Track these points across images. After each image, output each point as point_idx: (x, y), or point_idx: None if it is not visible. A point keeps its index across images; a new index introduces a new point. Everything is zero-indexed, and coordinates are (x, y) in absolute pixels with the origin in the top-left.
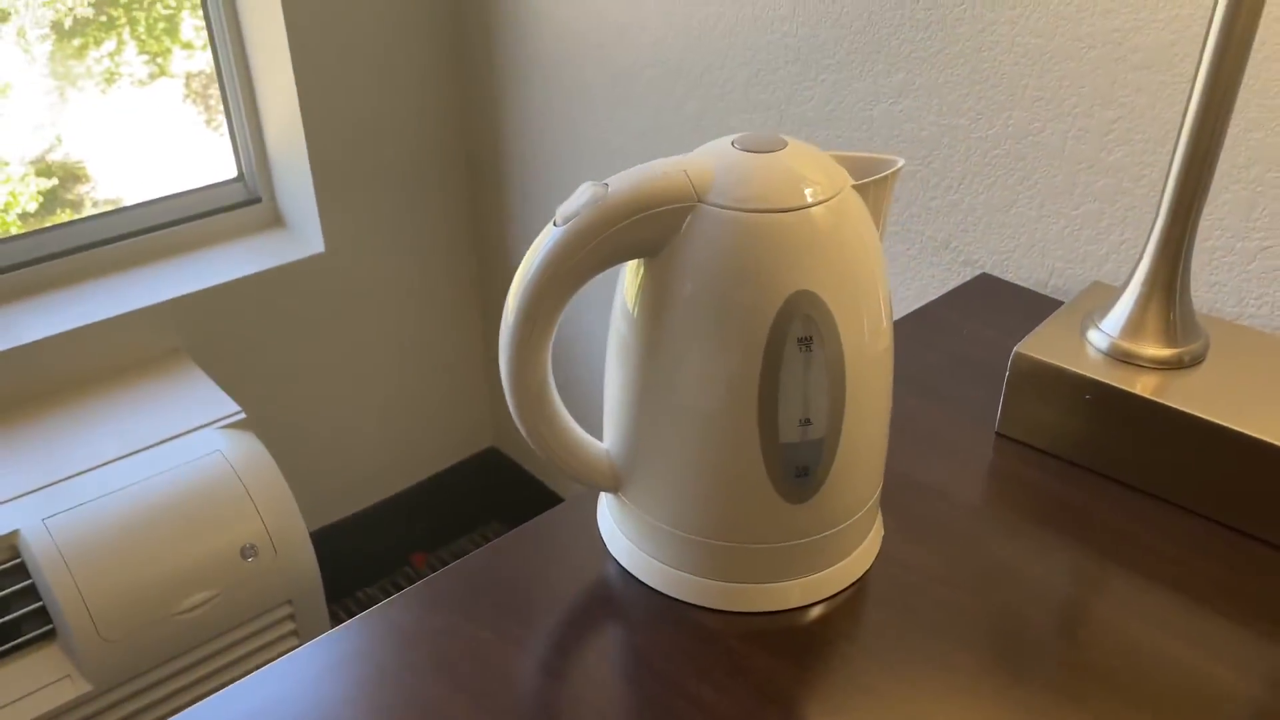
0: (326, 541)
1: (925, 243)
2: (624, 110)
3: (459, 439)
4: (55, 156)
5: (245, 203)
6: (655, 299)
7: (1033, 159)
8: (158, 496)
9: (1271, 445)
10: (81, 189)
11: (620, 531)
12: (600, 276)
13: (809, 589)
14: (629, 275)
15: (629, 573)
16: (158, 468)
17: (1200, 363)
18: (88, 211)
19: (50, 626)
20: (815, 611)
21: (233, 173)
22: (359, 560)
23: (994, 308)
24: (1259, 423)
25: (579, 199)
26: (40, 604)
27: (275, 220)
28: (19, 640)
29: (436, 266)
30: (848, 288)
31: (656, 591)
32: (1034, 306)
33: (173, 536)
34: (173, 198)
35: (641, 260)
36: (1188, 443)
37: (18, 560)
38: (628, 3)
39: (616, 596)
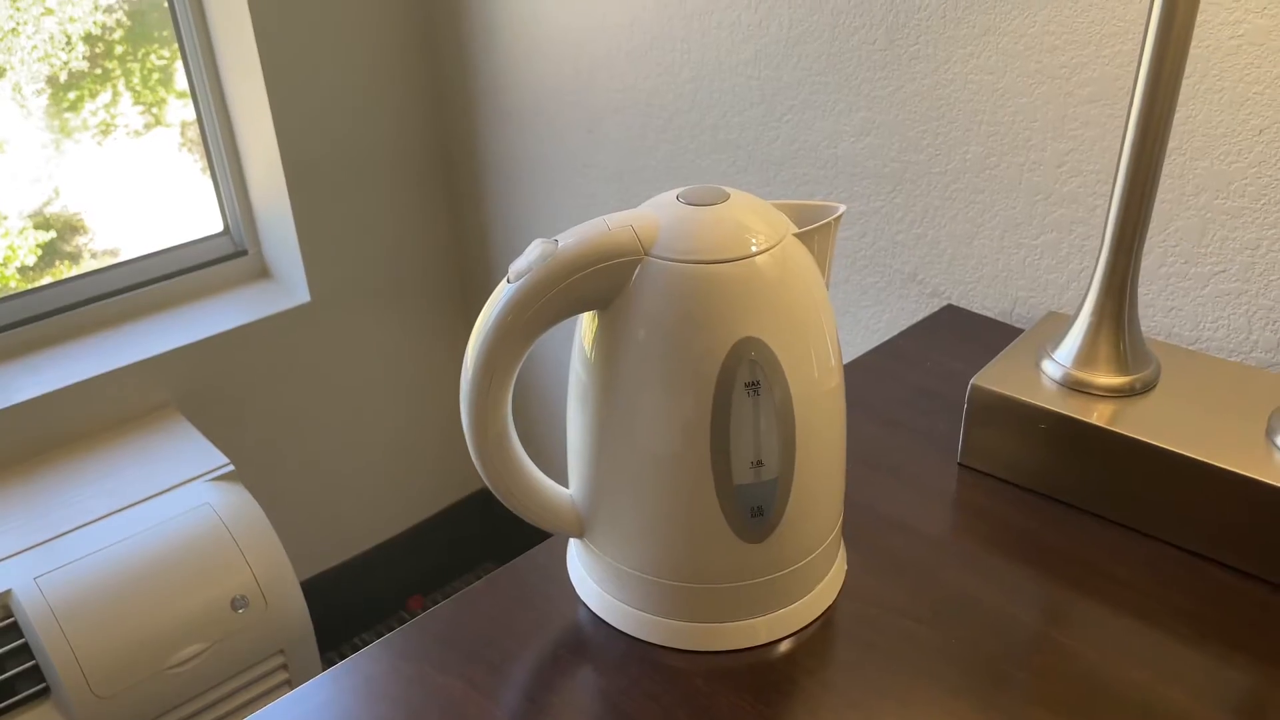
0: (321, 589)
1: (894, 275)
2: (598, 154)
3: (451, 481)
4: (53, 209)
5: (232, 255)
6: (609, 348)
7: (991, 191)
8: (148, 551)
9: (1220, 469)
10: (80, 240)
11: (588, 575)
12: (564, 323)
13: (773, 626)
14: (585, 325)
15: (598, 616)
16: (148, 522)
17: (1152, 389)
18: (86, 263)
19: (44, 685)
20: (780, 648)
21: (219, 226)
22: (356, 606)
23: (959, 339)
24: (1208, 448)
25: (530, 255)
26: (34, 663)
27: (262, 272)
28: (13, 700)
29: (421, 312)
30: (793, 332)
31: (624, 634)
32: (998, 336)
33: (163, 591)
34: (161, 253)
35: (596, 311)
36: (1142, 469)
37: (10, 620)
38: (597, 50)
39: (586, 640)
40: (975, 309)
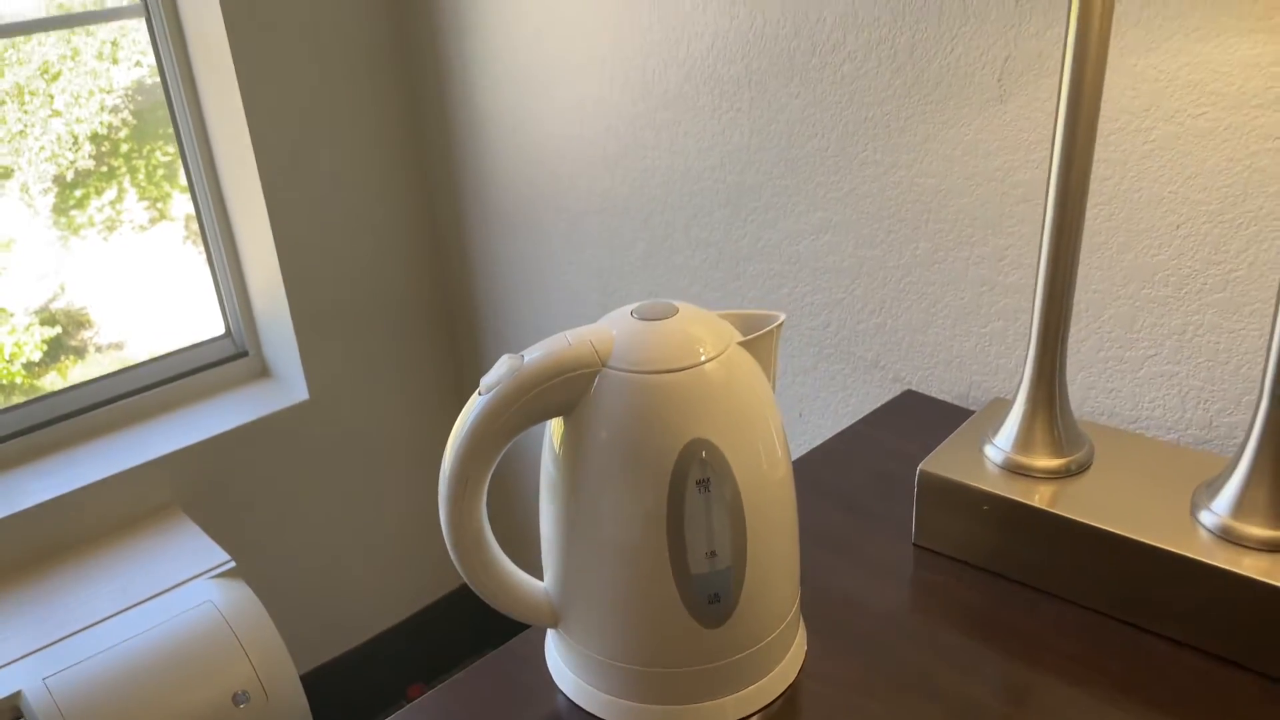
0: (322, 680)
1: (857, 362)
2: (580, 253)
3: (449, 570)
4: (59, 304)
5: (233, 357)
6: (574, 451)
7: (941, 283)
8: (152, 649)
9: (1147, 545)
10: (85, 334)
11: (564, 664)
12: (539, 425)
13: (738, 705)
14: (553, 429)
15: (574, 703)
16: (152, 621)
17: (1087, 469)
18: (91, 358)
19: None
20: None
21: (220, 326)
22: (358, 696)
23: (916, 423)
24: (1137, 525)
25: (499, 370)
26: None
27: (262, 371)
28: None
29: (416, 407)
30: (739, 432)
31: (595, 717)
32: (953, 420)
33: (168, 688)
34: (164, 358)
35: (561, 417)
36: (1079, 546)
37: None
38: (577, 155)
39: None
40: (934, 393)
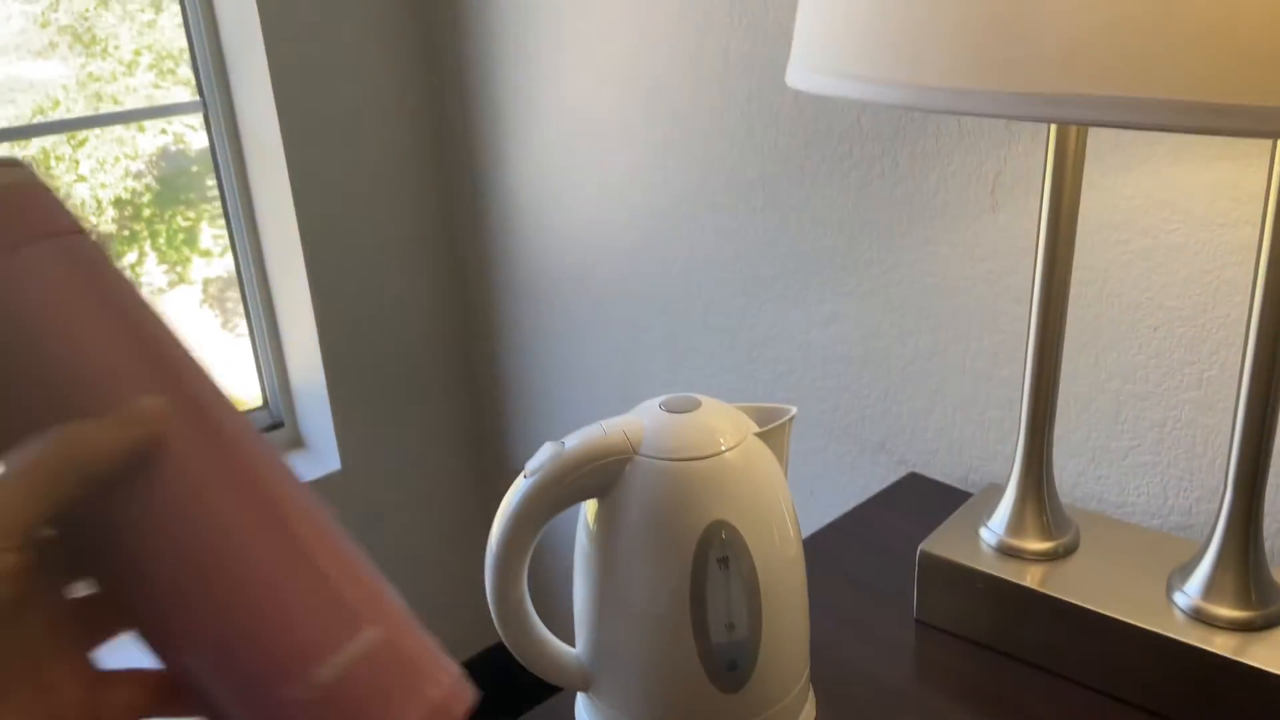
0: None
1: (864, 445)
2: (602, 333)
3: (474, 634)
4: None
5: (269, 428)
6: (607, 529)
7: (941, 374)
8: None
9: (1127, 624)
10: None
11: None
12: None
13: None
14: (588, 509)
15: None
16: None
17: (1074, 552)
18: None
19: None
20: None
21: (254, 392)
22: None
23: (919, 504)
24: (1118, 605)
25: (541, 455)
26: None
27: (296, 442)
28: None
29: (442, 478)
30: (756, 514)
31: None
32: (954, 501)
33: None
34: None
35: (596, 499)
36: (1066, 624)
37: None
38: (601, 244)
39: None
40: (936, 476)
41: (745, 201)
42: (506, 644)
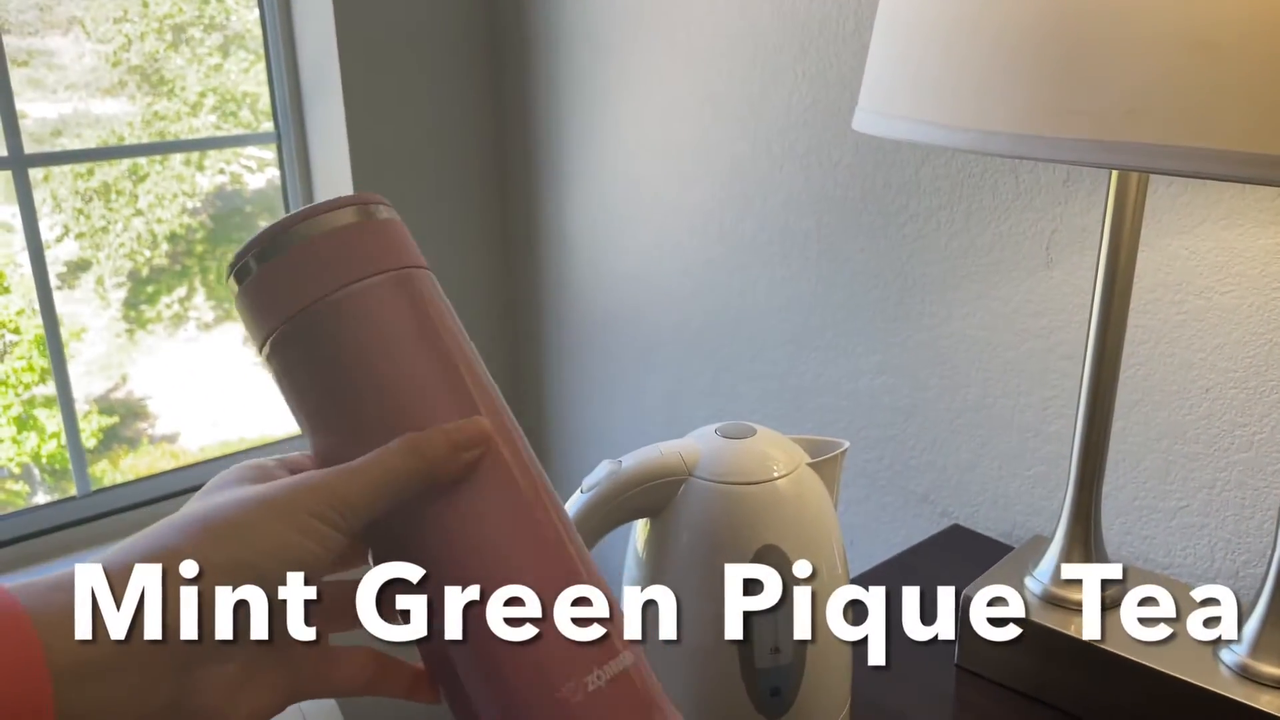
0: None
1: (908, 496)
2: (649, 377)
3: None
4: (119, 395)
5: None
6: (658, 549)
7: (989, 427)
8: None
9: (1173, 678)
10: (141, 425)
11: None
12: (623, 527)
13: None
14: (639, 529)
15: None
16: None
17: (1119, 605)
18: (144, 448)
19: None
20: None
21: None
22: None
23: (962, 556)
24: (1164, 659)
25: (599, 472)
26: None
27: None
28: None
29: None
30: (805, 540)
31: None
32: (997, 555)
33: None
34: (230, 456)
35: (648, 518)
36: (1110, 675)
37: None
38: (653, 289)
39: None
40: (980, 529)
41: (800, 251)
42: None
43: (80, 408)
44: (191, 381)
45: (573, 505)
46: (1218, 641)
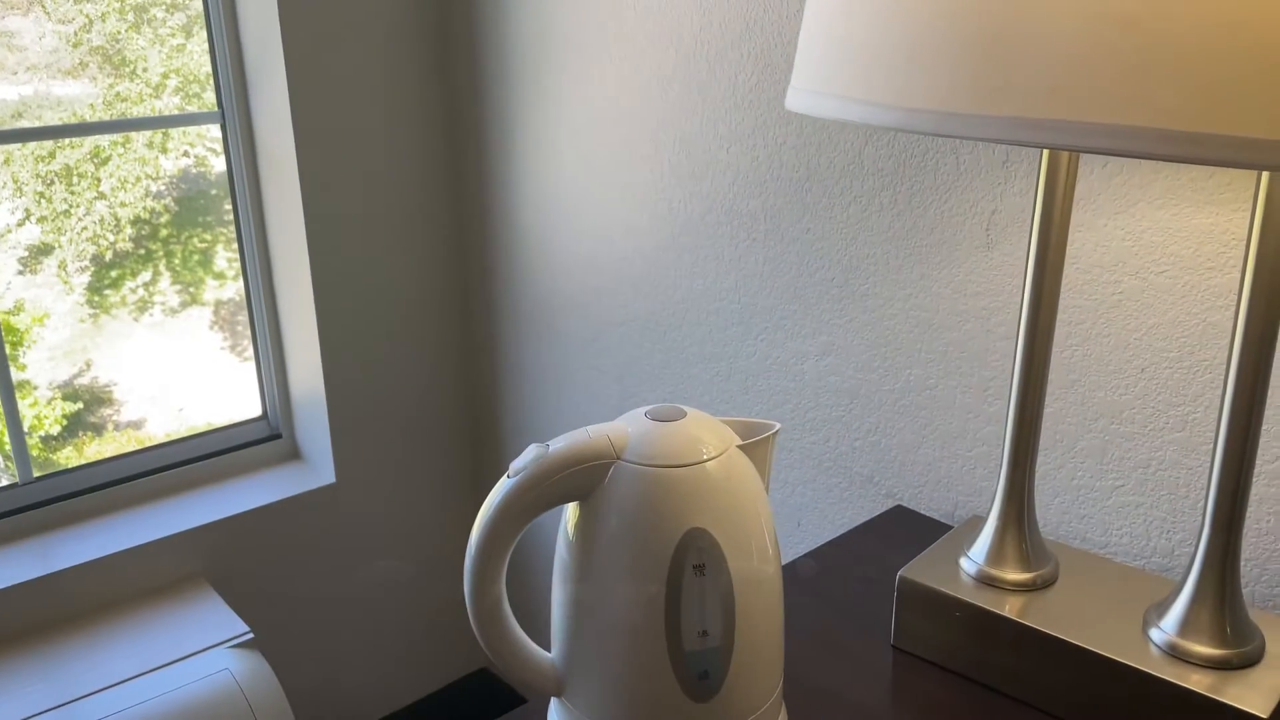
0: None
1: (853, 477)
2: (600, 360)
3: (456, 659)
4: (83, 381)
5: (266, 439)
6: (587, 532)
7: (931, 408)
8: (167, 713)
9: (1103, 657)
10: (106, 412)
11: None
12: (554, 511)
13: None
14: (569, 513)
15: None
16: (169, 685)
17: (1052, 585)
18: (109, 436)
19: None
20: None
21: (256, 411)
22: None
23: (904, 536)
24: (1094, 638)
25: (526, 456)
26: None
27: (293, 454)
28: None
29: (436, 496)
30: (734, 524)
31: None
32: (938, 535)
33: None
34: (202, 435)
35: (577, 502)
36: (1041, 654)
37: None
38: (603, 273)
39: None
40: (923, 510)
41: (747, 232)
42: (481, 643)
43: (43, 394)
44: (157, 367)
45: (499, 491)
46: (1147, 621)
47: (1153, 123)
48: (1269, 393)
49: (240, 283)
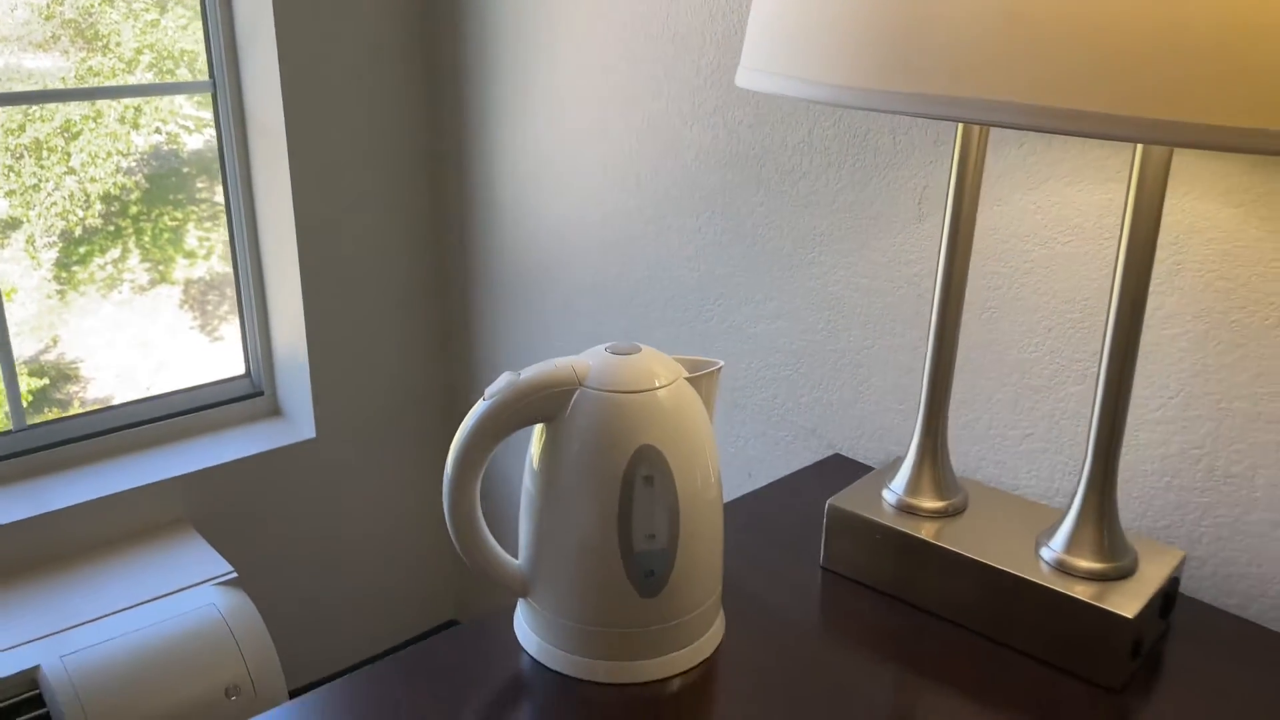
0: None
1: (798, 430)
2: (570, 324)
3: (431, 606)
4: (49, 357)
5: (249, 395)
6: (551, 450)
7: (869, 366)
8: (158, 641)
9: (1000, 570)
10: (72, 389)
11: (529, 628)
12: (523, 432)
13: (665, 666)
14: (536, 434)
15: (535, 660)
16: (160, 616)
17: (962, 513)
18: (74, 412)
19: None
20: (671, 686)
21: (240, 370)
22: None
23: (839, 479)
24: (994, 555)
25: (500, 382)
26: None
27: (274, 411)
28: None
29: (410, 451)
30: (679, 444)
31: (554, 671)
32: None
33: (169, 675)
34: (188, 390)
35: (544, 424)
36: (949, 570)
37: (36, 691)
38: (574, 241)
39: (525, 677)
40: (860, 459)
41: (707, 204)
42: (458, 549)
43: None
44: (125, 345)
45: (475, 411)
46: (1039, 542)
47: (1037, 100)
48: (1141, 347)
49: (213, 261)
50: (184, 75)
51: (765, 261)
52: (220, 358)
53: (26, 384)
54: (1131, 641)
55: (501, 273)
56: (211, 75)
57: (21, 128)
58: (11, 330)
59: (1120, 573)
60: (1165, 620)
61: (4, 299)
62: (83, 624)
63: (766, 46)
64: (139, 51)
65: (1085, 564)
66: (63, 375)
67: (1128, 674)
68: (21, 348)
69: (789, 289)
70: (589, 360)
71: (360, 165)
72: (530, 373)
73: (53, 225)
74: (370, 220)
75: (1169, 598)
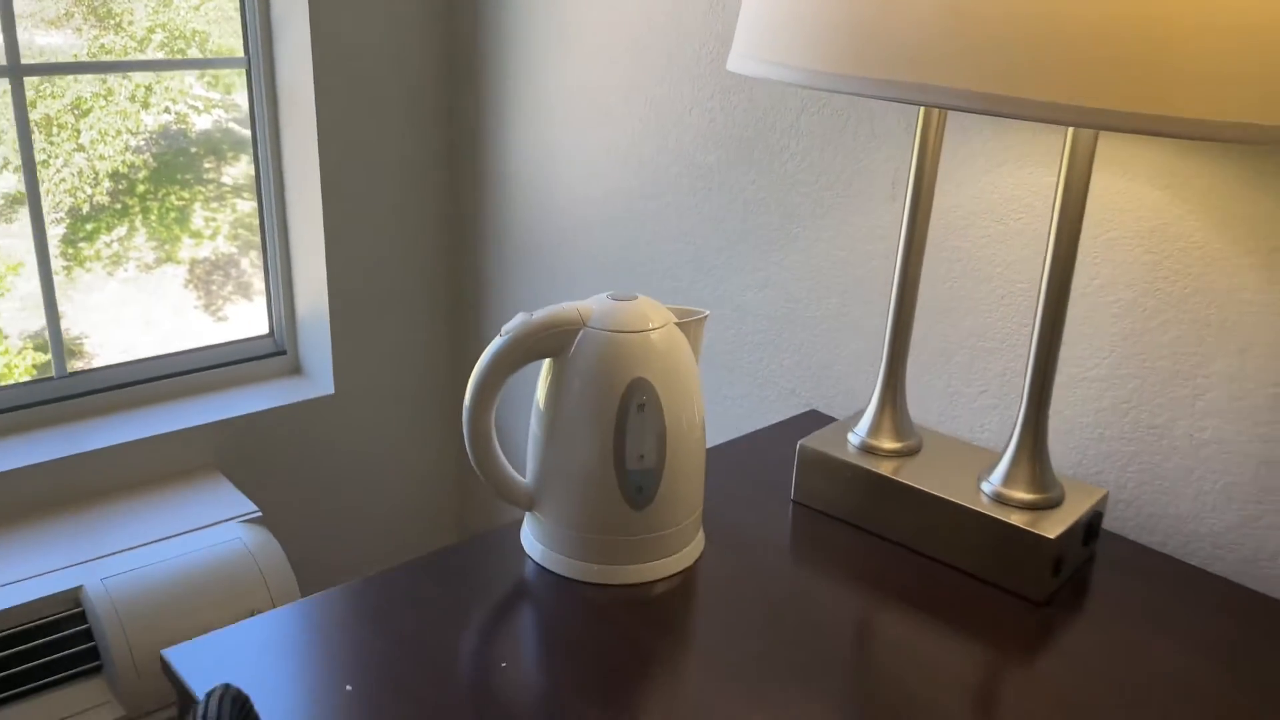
0: None
1: (779, 391)
2: (577, 292)
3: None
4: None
5: (272, 354)
6: (558, 382)
7: (844, 331)
8: (189, 569)
9: (945, 500)
10: (76, 365)
11: (533, 538)
12: (530, 370)
13: (652, 570)
14: (545, 367)
15: (539, 565)
16: (192, 548)
17: (917, 453)
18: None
19: (99, 663)
20: (656, 589)
21: (264, 330)
22: None
23: (813, 429)
24: (941, 487)
25: (515, 321)
26: (93, 644)
27: (295, 369)
28: (73, 671)
29: (424, 408)
30: (668, 378)
31: (554, 574)
32: None
33: (199, 598)
34: (214, 346)
35: (552, 359)
36: (903, 501)
37: (79, 609)
38: (581, 216)
39: (529, 580)
40: (834, 414)
41: (704, 182)
42: (475, 467)
43: (14, 344)
44: (129, 322)
45: (493, 345)
46: (981, 478)
47: (983, 87)
48: (1079, 313)
49: (216, 242)
50: (195, 55)
51: (755, 235)
52: (224, 338)
53: (31, 358)
54: (1054, 559)
55: (512, 244)
56: (246, 52)
57: (33, 104)
58: (16, 305)
59: (1049, 503)
60: (1088, 548)
61: (51, 257)
62: (121, 551)
63: (755, 35)
64: (151, 30)
65: (1019, 495)
66: (68, 351)
67: (1051, 589)
68: (27, 323)
69: (775, 261)
70: (592, 304)
71: (384, 141)
72: (541, 313)
73: (61, 201)
74: (392, 193)
75: (1091, 527)
